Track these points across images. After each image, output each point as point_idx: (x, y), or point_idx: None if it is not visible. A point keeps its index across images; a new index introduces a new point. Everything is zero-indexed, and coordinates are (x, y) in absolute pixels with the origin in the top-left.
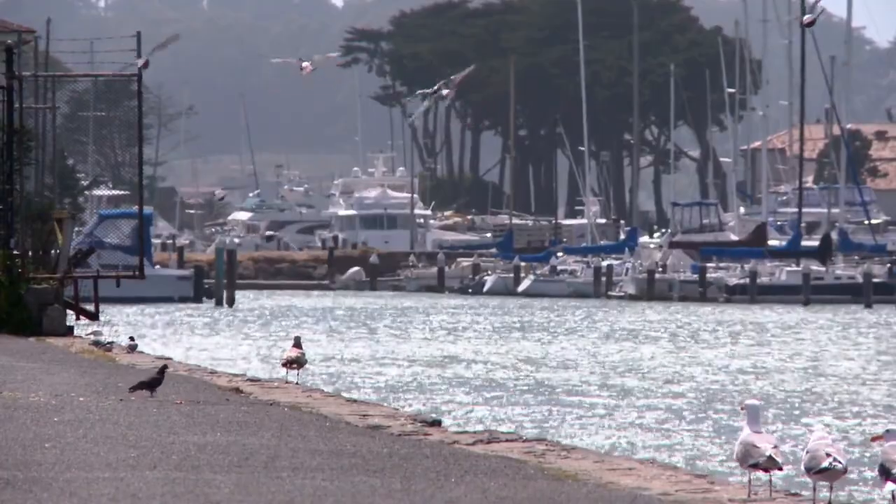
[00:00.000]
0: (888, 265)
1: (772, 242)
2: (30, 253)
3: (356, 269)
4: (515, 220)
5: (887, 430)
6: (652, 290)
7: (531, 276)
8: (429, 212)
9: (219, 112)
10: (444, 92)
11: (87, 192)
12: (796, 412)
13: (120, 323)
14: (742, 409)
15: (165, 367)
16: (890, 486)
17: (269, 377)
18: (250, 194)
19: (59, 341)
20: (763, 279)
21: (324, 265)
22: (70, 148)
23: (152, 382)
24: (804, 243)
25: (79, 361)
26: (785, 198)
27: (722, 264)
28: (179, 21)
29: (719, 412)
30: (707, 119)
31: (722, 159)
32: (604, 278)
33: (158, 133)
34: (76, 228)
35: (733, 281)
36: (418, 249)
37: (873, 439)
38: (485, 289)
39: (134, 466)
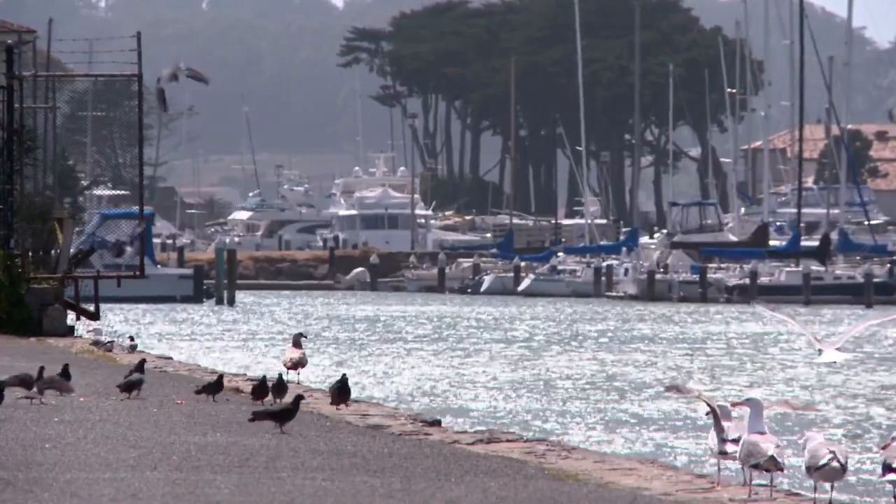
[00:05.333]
0: (888, 265)
1: (771, 243)
2: (30, 253)
3: (360, 269)
4: (515, 221)
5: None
6: (652, 290)
7: (531, 276)
8: (429, 212)
9: (219, 112)
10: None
11: (87, 192)
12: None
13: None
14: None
15: (300, 397)
16: (891, 476)
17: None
18: (251, 194)
19: (59, 341)
20: (763, 279)
21: (325, 265)
22: (70, 148)
23: (282, 413)
24: (804, 244)
25: (79, 362)
26: (785, 198)
27: (722, 265)
28: (179, 21)
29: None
30: (707, 119)
31: (722, 159)
32: (603, 278)
33: (159, 133)
34: (76, 228)
35: (733, 281)
36: (419, 250)
37: (883, 447)
38: (482, 289)
39: (134, 467)
